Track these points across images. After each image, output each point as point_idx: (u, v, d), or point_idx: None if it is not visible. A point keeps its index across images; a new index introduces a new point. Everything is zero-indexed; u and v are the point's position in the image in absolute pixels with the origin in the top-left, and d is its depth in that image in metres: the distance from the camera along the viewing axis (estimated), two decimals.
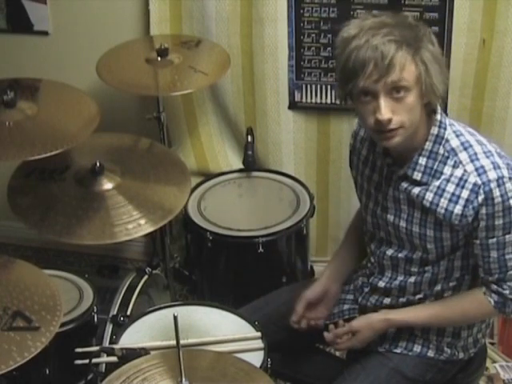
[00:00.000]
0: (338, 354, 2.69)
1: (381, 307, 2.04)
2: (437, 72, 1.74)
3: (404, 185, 1.89)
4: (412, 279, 1.98)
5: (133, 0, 2.94)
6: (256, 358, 1.96)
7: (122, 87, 2.60)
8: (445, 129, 1.84)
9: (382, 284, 2.03)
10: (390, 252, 1.99)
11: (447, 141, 1.84)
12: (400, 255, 1.97)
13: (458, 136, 1.85)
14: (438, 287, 1.96)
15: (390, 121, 1.74)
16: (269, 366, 1.98)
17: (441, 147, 1.83)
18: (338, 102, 2.81)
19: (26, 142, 2.12)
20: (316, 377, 2.26)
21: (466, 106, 2.75)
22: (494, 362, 2.55)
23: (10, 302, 1.85)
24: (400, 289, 2.00)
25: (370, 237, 2.07)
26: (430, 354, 2.03)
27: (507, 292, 1.87)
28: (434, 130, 1.84)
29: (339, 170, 2.99)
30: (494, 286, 1.88)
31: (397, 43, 1.69)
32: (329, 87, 2.85)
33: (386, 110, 1.73)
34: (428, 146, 1.84)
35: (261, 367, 1.93)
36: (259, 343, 2.03)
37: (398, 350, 2.04)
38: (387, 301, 2.04)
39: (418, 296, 1.99)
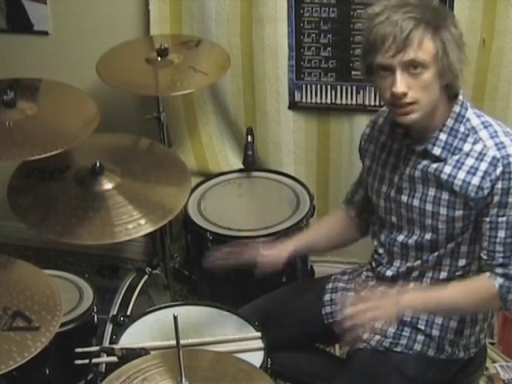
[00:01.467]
0: (337, 353, 2.70)
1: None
2: (455, 52, 1.80)
3: (423, 162, 1.91)
4: (417, 264, 1.98)
5: (133, 0, 2.94)
6: (256, 358, 1.96)
7: (122, 87, 2.60)
8: (466, 109, 1.89)
9: (389, 273, 2.04)
10: (400, 238, 2.00)
11: (468, 120, 1.88)
12: (410, 241, 1.98)
13: (478, 116, 1.90)
14: (444, 274, 1.96)
15: (405, 95, 1.79)
16: (269, 366, 1.98)
17: (461, 125, 1.87)
18: (337, 101, 2.86)
19: (26, 142, 2.12)
20: (316, 377, 2.26)
21: None
22: (494, 361, 2.55)
23: (10, 302, 1.85)
24: (406, 274, 2.01)
25: (379, 225, 2.08)
26: (431, 352, 2.02)
27: None
28: (456, 109, 1.88)
29: (339, 169, 2.99)
30: (500, 269, 1.86)
31: (416, 20, 1.75)
32: (329, 87, 2.85)
33: (401, 83, 1.78)
34: (449, 122, 1.88)
35: (261, 367, 1.93)
36: (259, 343, 2.03)
37: (399, 349, 2.03)
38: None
39: (424, 283, 1.99)
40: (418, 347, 2.03)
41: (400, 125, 1.93)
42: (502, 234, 1.85)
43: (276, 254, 2.15)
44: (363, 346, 2.07)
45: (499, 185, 1.81)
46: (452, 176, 1.86)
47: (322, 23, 2.77)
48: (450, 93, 1.88)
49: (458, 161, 1.86)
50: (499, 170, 1.81)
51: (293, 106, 2.91)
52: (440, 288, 1.94)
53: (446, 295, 1.92)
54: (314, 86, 2.87)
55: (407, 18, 1.75)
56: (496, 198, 1.82)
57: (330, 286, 2.20)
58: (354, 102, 2.84)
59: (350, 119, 2.87)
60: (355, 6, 2.70)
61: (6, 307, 1.83)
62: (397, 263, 2.03)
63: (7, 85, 2.31)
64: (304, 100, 2.89)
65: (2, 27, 3.09)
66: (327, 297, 2.18)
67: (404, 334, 2.04)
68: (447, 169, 1.87)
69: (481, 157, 1.84)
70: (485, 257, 1.89)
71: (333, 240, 2.24)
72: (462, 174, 1.85)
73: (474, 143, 1.85)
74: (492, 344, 2.63)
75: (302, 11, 2.75)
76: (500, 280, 1.86)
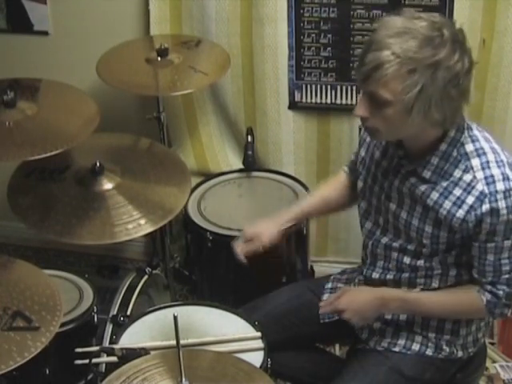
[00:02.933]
0: (337, 353, 2.70)
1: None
2: (437, 100, 1.70)
3: (412, 180, 1.89)
4: (406, 275, 1.98)
5: (133, 0, 2.94)
6: (256, 358, 1.96)
7: (122, 87, 2.60)
8: (462, 132, 1.84)
9: (375, 275, 2.04)
10: (384, 240, 2.00)
11: (462, 144, 1.83)
12: (394, 244, 1.97)
13: (473, 141, 1.84)
14: (435, 284, 1.96)
15: (365, 119, 1.78)
16: (269, 366, 1.98)
17: (455, 150, 1.83)
18: (337, 101, 2.86)
19: (26, 142, 2.12)
20: (316, 376, 2.26)
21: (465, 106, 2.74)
22: (494, 361, 2.55)
23: (10, 302, 1.85)
24: (395, 282, 2.01)
25: (363, 214, 2.07)
26: (429, 352, 2.03)
27: (501, 293, 1.87)
28: (452, 133, 1.83)
29: (339, 169, 2.99)
30: (488, 287, 1.88)
31: (395, 55, 1.66)
32: (329, 87, 2.85)
33: (359, 108, 1.77)
34: (443, 147, 1.83)
35: (261, 367, 1.93)
36: (259, 343, 2.03)
37: (397, 349, 2.04)
38: None
39: (415, 290, 1.99)
40: (416, 347, 2.03)
41: None
42: (491, 257, 1.84)
43: (271, 228, 2.18)
44: (362, 346, 2.08)
45: (488, 220, 1.78)
46: (438, 204, 1.84)
47: (322, 23, 2.77)
48: (445, 127, 1.80)
49: (445, 188, 1.83)
50: (486, 206, 1.77)
51: (293, 106, 2.91)
52: (430, 295, 1.95)
53: (435, 305, 1.94)
54: (314, 86, 2.87)
55: (389, 49, 1.66)
56: (484, 231, 1.80)
57: (329, 285, 2.21)
58: (353, 101, 2.83)
59: (350, 119, 2.87)
60: (355, 6, 2.70)
61: (6, 307, 1.83)
62: (380, 264, 2.03)
63: (7, 85, 2.31)
64: (304, 100, 2.89)
65: (2, 27, 3.09)
66: (326, 297, 2.18)
67: (402, 334, 2.04)
68: (434, 195, 1.85)
69: (469, 189, 1.80)
70: (475, 275, 1.89)
71: (334, 203, 2.25)
72: (447, 204, 1.83)
73: (465, 171, 1.82)
74: (492, 344, 2.63)
75: (302, 11, 2.75)
76: (488, 296, 1.88)
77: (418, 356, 2.03)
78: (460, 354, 2.04)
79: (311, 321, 2.17)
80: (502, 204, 1.77)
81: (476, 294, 1.90)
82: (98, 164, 2.27)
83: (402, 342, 2.04)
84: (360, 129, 2.11)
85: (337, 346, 2.75)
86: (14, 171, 2.35)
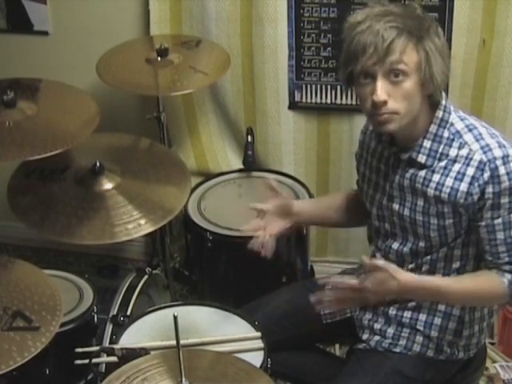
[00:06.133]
0: (337, 353, 2.70)
1: (382, 302, 2.04)
2: (438, 62, 1.77)
3: (410, 171, 1.90)
4: (413, 265, 1.97)
5: (133, 0, 2.94)
6: (256, 358, 1.96)
7: (122, 87, 2.61)
8: (449, 113, 1.87)
9: None
10: (395, 246, 2.00)
11: (452, 124, 1.86)
12: (405, 249, 1.97)
13: (462, 120, 1.88)
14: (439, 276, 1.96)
15: (385, 103, 1.77)
16: (269, 366, 1.98)
17: (445, 131, 1.86)
18: (337, 101, 2.87)
19: (26, 142, 2.12)
20: (316, 376, 2.26)
21: (466, 106, 2.75)
22: (494, 361, 2.55)
23: (10, 302, 1.85)
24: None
25: (375, 232, 2.08)
26: (430, 353, 2.02)
27: None
28: (439, 114, 1.86)
29: (339, 170, 2.99)
30: (507, 267, 1.85)
31: (398, 29, 1.73)
32: (329, 87, 2.85)
33: (381, 91, 1.76)
34: (433, 129, 1.86)
35: (261, 367, 1.93)
36: (259, 343, 2.03)
37: (398, 350, 2.03)
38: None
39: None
40: (417, 348, 2.03)
41: (384, 132, 1.93)
42: (500, 235, 1.84)
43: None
44: (363, 347, 2.08)
45: (490, 189, 1.79)
46: (440, 184, 1.85)
47: (322, 23, 2.77)
48: (433, 101, 1.86)
49: (445, 167, 1.85)
50: (487, 174, 1.79)
51: (293, 105, 2.91)
52: (450, 282, 1.89)
53: (457, 292, 1.88)
54: (314, 86, 2.87)
55: (389, 27, 1.73)
56: (489, 202, 1.81)
57: (329, 286, 2.20)
58: (353, 101, 2.84)
59: (350, 119, 2.87)
60: (355, 6, 2.70)
61: (6, 307, 1.83)
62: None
63: (7, 85, 2.31)
64: (304, 100, 2.89)
65: (2, 27, 3.09)
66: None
67: (403, 334, 2.04)
68: (435, 177, 1.86)
69: (467, 161, 1.82)
70: (489, 258, 1.88)
71: (340, 216, 2.23)
72: (449, 181, 1.84)
73: (460, 148, 1.84)
74: (492, 344, 2.63)
75: (302, 11, 2.76)
76: (508, 276, 1.85)
77: (418, 357, 2.02)
78: (461, 355, 2.04)
79: (311, 321, 2.17)
80: (501, 170, 1.78)
81: (496, 276, 1.86)
82: (97, 164, 2.27)
83: (402, 342, 2.04)
84: (360, 147, 2.10)
85: (337, 346, 2.75)
86: (13, 171, 2.35)
